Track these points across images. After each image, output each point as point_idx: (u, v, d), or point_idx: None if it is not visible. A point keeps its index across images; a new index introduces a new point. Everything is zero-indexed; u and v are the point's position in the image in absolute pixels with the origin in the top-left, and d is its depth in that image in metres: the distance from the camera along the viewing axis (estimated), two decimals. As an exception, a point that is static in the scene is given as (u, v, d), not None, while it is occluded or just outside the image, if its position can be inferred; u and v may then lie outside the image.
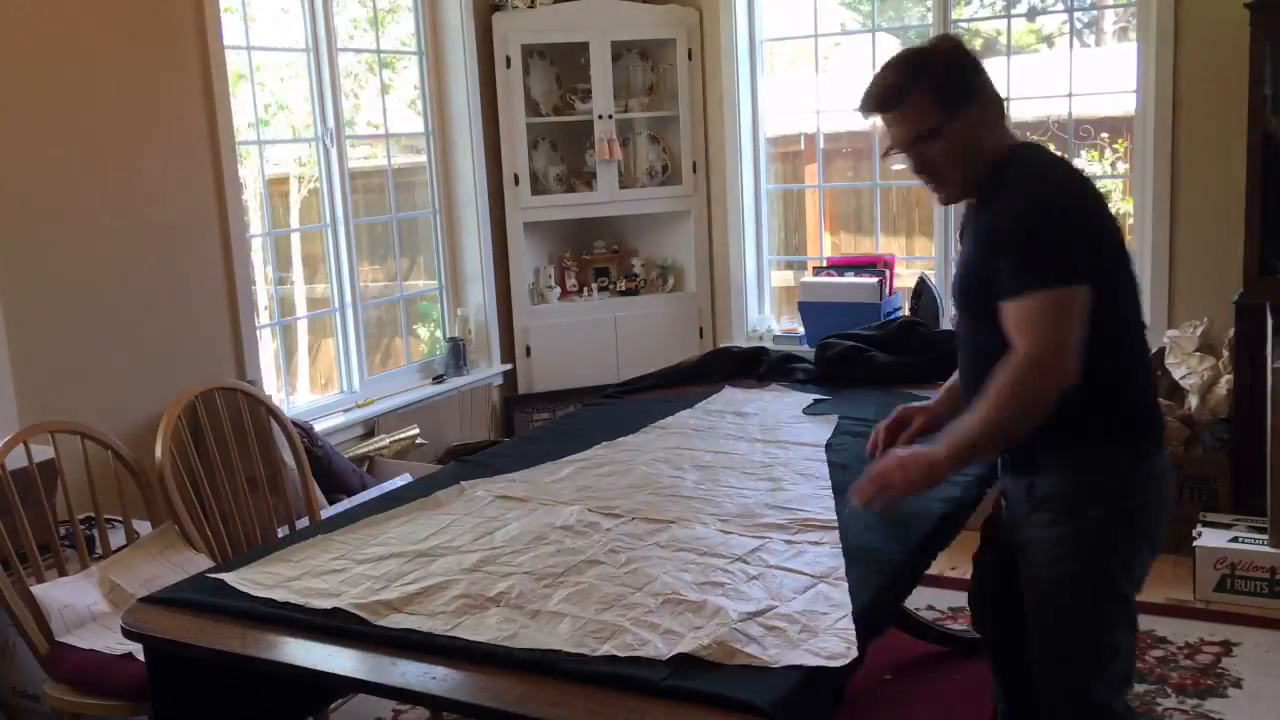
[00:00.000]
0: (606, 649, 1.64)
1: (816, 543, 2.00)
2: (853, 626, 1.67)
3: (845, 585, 1.81)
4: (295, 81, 4.49)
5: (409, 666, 1.68)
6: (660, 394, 3.24)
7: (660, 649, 1.62)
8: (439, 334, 5.13)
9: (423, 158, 4.94)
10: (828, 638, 1.64)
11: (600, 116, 4.96)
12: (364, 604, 1.84)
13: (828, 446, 2.59)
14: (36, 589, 2.55)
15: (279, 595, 1.91)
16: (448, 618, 1.78)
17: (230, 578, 2.01)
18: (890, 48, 5.33)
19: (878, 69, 2.09)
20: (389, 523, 2.25)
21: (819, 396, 3.05)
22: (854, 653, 1.60)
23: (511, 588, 1.87)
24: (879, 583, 1.84)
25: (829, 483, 2.33)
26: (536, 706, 1.55)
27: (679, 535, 2.07)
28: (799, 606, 1.74)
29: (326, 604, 1.86)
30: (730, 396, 3.12)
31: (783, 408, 2.96)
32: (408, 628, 1.76)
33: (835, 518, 2.12)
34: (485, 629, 1.73)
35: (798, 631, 1.66)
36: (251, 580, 1.99)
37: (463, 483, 2.44)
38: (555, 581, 1.89)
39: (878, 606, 1.75)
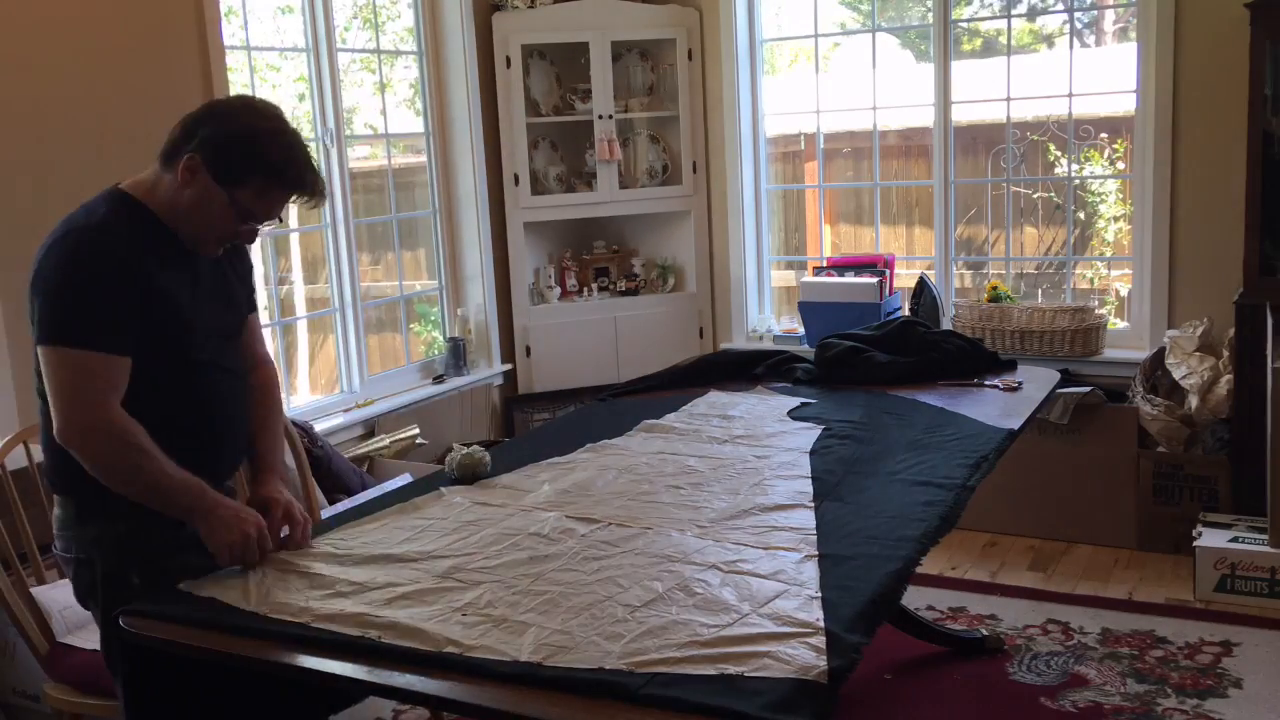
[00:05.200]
0: (567, 660, 1.62)
1: (793, 548, 1.98)
2: (824, 637, 1.63)
3: (819, 595, 1.77)
4: (287, 84, 4.49)
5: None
6: (650, 396, 3.23)
7: (622, 662, 1.60)
8: (438, 334, 5.13)
9: (423, 158, 4.94)
10: (798, 647, 1.60)
11: (600, 116, 4.96)
12: (328, 614, 1.81)
13: (812, 451, 2.57)
14: (36, 591, 2.55)
15: (246, 605, 1.87)
16: (411, 626, 1.75)
17: (200, 586, 1.96)
18: (890, 47, 5.34)
19: (303, 149, 2.04)
20: (364, 528, 2.22)
21: (806, 400, 3.03)
22: (823, 663, 1.56)
23: (480, 596, 1.85)
24: (859, 590, 1.79)
25: (810, 488, 2.31)
26: (536, 707, 1.54)
27: (654, 542, 2.05)
28: (770, 615, 1.71)
29: (296, 614, 1.83)
30: (714, 399, 3.10)
31: (768, 410, 2.94)
32: (370, 635, 1.73)
33: (814, 525, 2.09)
34: (448, 638, 1.70)
35: (767, 641, 1.63)
36: (220, 590, 1.94)
37: (442, 489, 2.42)
38: (524, 589, 1.86)
39: (858, 613, 1.71)
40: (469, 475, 2.46)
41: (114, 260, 1.95)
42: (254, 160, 1.98)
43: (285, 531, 2.11)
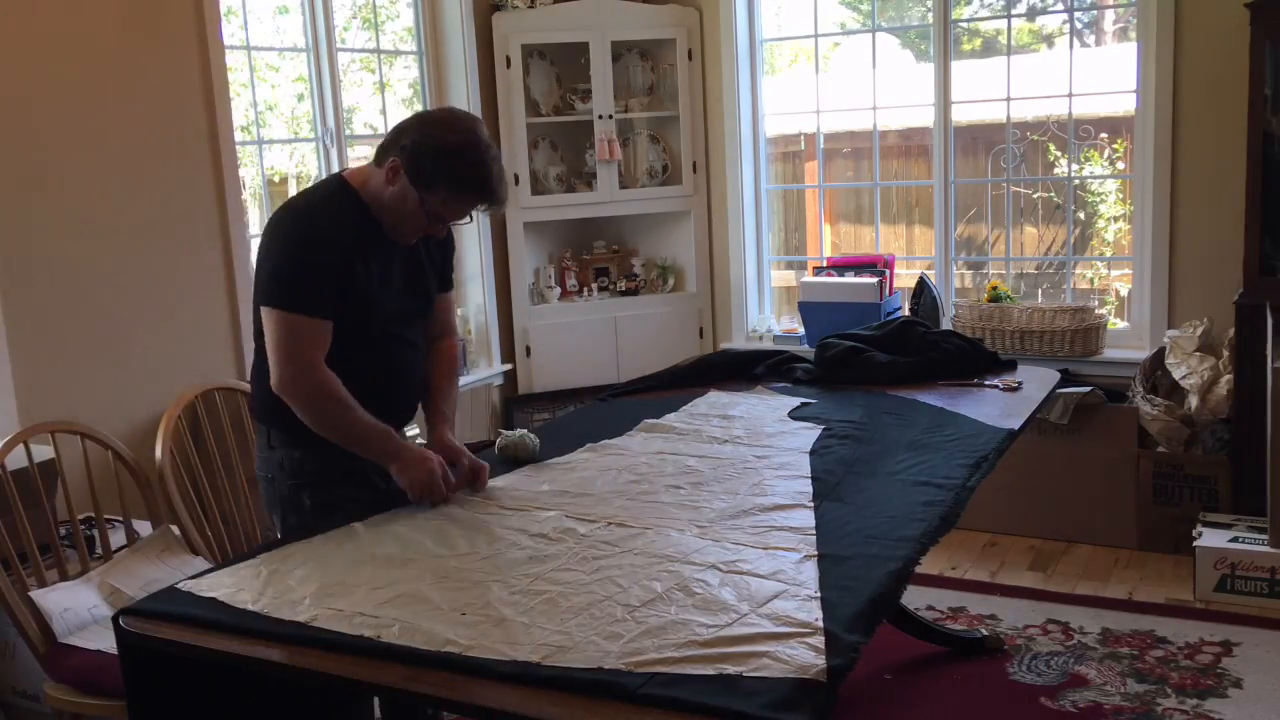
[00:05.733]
0: (566, 660, 1.61)
1: (792, 548, 1.97)
2: (823, 637, 1.63)
3: (819, 595, 1.77)
4: (286, 84, 4.49)
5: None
6: (650, 396, 3.22)
7: (621, 662, 1.59)
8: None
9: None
10: (797, 647, 1.60)
11: (600, 116, 4.96)
12: (327, 614, 1.81)
13: (812, 451, 2.56)
14: (36, 594, 2.55)
15: (246, 605, 1.87)
16: (411, 626, 1.75)
17: (202, 584, 1.96)
18: (890, 47, 5.34)
19: (490, 158, 2.30)
20: (366, 528, 2.22)
21: (806, 400, 3.03)
22: (822, 662, 1.56)
23: (480, 595, 1.85)
24: (858, 590, 1.79)
25: (810, 489, 2.30)
26: (534, 706, 1.54)
27: (654, 541, 2.04)
28: (769, 615, 1.71)
29: (296, 614, 1.83)
30: (714, 399, 3.09)
31: (768, 411, 2.94)
32: (369, 635, 1.73)
33: (814, 525, 2.09)
34: (448, 638, 1.70)
35: (766, 641, 1.63)
36: (220, 587, 1.95)
37: None
38: (524, 589, 1.86)
39: (857, 613, 1.70)
40: (515, 458, 2.53)
41: (322, 244, 2.28)
42: (443, 171, 2.27)
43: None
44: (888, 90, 5.01)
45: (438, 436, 2.51)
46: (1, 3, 3.14)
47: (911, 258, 5.30)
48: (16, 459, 2.61)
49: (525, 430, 2.57)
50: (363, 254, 2.34)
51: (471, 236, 4.95)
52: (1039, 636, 3.49)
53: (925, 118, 4.84)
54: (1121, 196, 5.04)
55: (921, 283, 4.70)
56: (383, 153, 2.34)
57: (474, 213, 2.37)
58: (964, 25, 4.97)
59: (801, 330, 4.96)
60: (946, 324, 4.67)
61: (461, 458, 2.42)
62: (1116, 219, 5.09)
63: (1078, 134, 4.75)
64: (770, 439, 2.68)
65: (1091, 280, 5.21)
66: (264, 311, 2.30)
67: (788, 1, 5.23)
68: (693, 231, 5.22)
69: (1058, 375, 3.25)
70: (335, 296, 2.29)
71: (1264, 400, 3.73)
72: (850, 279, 4.78)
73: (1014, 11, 4.89)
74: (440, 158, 2.27)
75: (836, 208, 5.53)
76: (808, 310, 4.85)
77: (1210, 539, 3.71)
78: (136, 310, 3.52)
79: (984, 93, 4.85)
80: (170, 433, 2.84)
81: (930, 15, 4.75)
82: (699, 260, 5.25)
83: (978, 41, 5.17)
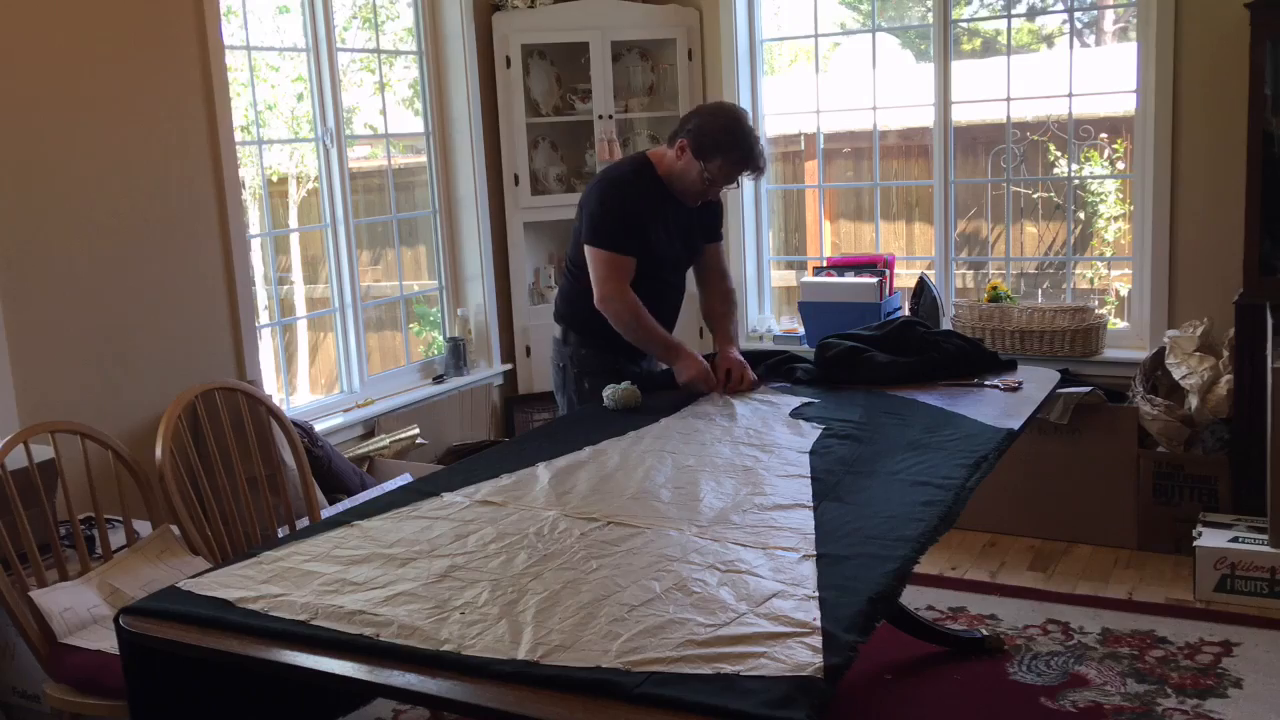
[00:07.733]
0: (564, 659, 1.62)
1: (791, 548, 1.98)
2: (820, 636, 1.63)
3: (817, 595, 1.78)
4: (286, 84, 4.49)
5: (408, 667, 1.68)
6: (649, 396, 3.21)
7: (619, 661, 1.60)
8: (438, 334, 5.13)
9: (423, 158, 4.94)
10: (794, 647, 1.61)
11: (600, 116, 4.96)
12: (326, 611, 1.82)
13: (812, 451, 2.56)
14: (36, 594, 2.55)
15: (249, 604, 1.88)
16: (410, 625, 1.75)
17: (203, 583, 1.97)
18: (890, 47, 5.34)
19: (753, 137, 3.06)
20: (364, 527, 2.23)
21: (808, 399, 3.03)
22: (819, 660, 1.56)
23: (479, 594, 1.85)
24: (856, 590, 1.79)
25: (809, 489, 2.30)
26: (532, 706, 1.54)
27: (653, 541, 2.05)
28: (767, 615, 1.72)
29: (296, 612, 1.84)
30: (715, 399, 3.10)
31: (770, 411, 2.94)
32: (368, 634, 1.74)
33: (813, 524, 2.09)
34: (446, 637, 1.71)
35: (764, 641, 1.63)
36: (221, 587, 1.96)
37: (444, 495, 2.40)
38: (523, 588, 1.87)
39: (855, 613, 1.71)
40: (626, 407, 2.98)
41: (630, 201, 3.12)
42: (719, 146, 3.04)
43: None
44: (888, 90, 5.01)
45: (724, 352, 3.21)
46: (2, 3, 3.14)
47: (911, 258, 5.30)
48: (16, 459, 2.61)
49: (627, 382, 3.04)
50: (655, 213, 3.12)
51: (472, 236, 4.96)
52: (1039, 636, 3.49)
53: (925, 118, 4.84)
54: (1121, 196, 5.04)
55: (921, 283, 4.70)
56: (674, 135, 3.11)
57: (741, 179, 3.14)
58: (964, 25, 4.97)
59: (801, 330, 4.96)
60: (946, 324, 4.67)
61: (742, 369, 3.14)
62: (1116, 219, 5.09)
63: (1078, 134, 4.75)
64: (770, 439, 2.68)
65: (1091, 280, 5.21)
66: (588, 250, 3.11)
67: (787, 1, 5.23)
68: (693, 231, 5.21)
69: (1058, 375, 3.25)
70: (638, 241, 3.08)
71: (1264, 400, 3.73)
72: (850, 279, 4.78)
73: (1014, 11, 4.89)
74: (717, 136, 3.03)
75: (836, 207, 5.53)
76: (808, 310, 4.85)
77: (1210, 539, 3.71)
78: (136, 310, 3.52)
79: (984, 93, 4.85)
80: (170, 433, 2.84)
81: (930, 15, 4.75)
82: (699, 260, 5.24)
83: (977, 41, 5.17)
